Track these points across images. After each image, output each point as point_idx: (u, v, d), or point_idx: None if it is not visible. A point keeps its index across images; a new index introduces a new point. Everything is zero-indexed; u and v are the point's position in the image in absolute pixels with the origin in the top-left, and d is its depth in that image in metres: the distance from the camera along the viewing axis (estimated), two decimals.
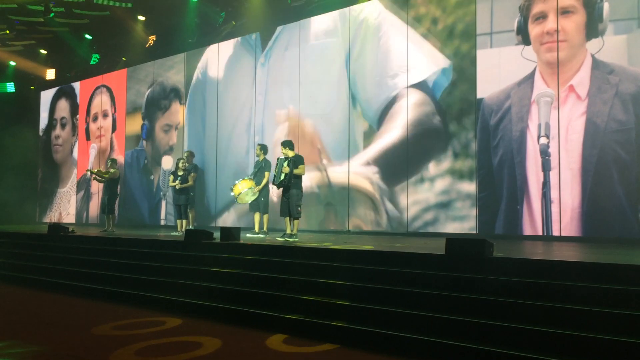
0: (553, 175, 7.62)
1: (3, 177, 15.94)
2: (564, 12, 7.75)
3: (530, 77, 7.94)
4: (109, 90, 14.94)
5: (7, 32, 14.30)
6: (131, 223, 13.62)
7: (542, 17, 7.94)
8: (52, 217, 16.25)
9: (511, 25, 8.23)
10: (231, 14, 12.25)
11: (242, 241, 7.09)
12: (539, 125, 7.82)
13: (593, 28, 7.54)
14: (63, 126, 16.44)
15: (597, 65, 7.43)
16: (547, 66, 7.83)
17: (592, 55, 7.46)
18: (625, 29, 7.42)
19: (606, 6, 7.46)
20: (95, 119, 15.34)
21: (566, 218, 7.52)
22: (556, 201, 7.58)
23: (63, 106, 16.52)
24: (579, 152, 7.46)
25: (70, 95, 16.24)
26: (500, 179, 8.11)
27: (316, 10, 10.68)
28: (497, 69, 8.27)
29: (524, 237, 7.83)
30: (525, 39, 8.06)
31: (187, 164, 9.61)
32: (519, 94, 8.02)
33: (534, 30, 8.00)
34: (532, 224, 7.77)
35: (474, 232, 8.27)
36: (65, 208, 16.01)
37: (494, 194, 8.15)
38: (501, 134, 8.12)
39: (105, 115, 15.01)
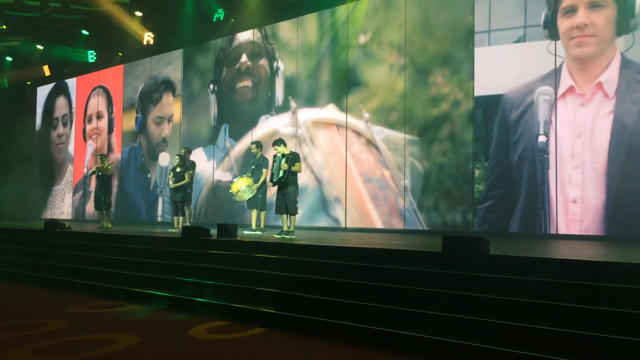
0: (577, 174, 7.44)
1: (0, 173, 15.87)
2: (594, 5, 7.53)
3: (557, 73, 7.74)
4: (106, 90, 14.90)
5: (4, 27, 14.22)
6: (128, 220, 13.58)
7: (572, 10, 7.71)
8: (47, 215, 16.18)
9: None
10: (229, 10, 12.19)
11: (239, 238, 7.07)
12: (538, 123, 7.75)
13: (624, 24, 7.35)
14: (65, 124, 16.35)
15: (626, 62, 7.24)
16: (575, 61, 7.64)
17: (622, 53, 7.28)
18: None
19: (638, 1, 7.28)
20: (90, 120, 15.31)
21: (588, 218, 7.37)
22: (578, 201, 7.42)
23: (62, 104, 16.43)
24: (604, 151, 7.29)
25: (68, 93, 16.16)
26: (519, 175, 7.96)
27: (314, 7, 10.64)
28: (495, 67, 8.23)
29: (540, 235, 7.73)
30: (553, 34, 7.86)
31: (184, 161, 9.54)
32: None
33: (563, 24, 7.79)
34: (551, 222, 7.67)
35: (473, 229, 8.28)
36: (59, 206, 15.94)
37: (512, 190, 8.00)
38: (522, 129, 7.96)
39: (99, 116, 14.98)
